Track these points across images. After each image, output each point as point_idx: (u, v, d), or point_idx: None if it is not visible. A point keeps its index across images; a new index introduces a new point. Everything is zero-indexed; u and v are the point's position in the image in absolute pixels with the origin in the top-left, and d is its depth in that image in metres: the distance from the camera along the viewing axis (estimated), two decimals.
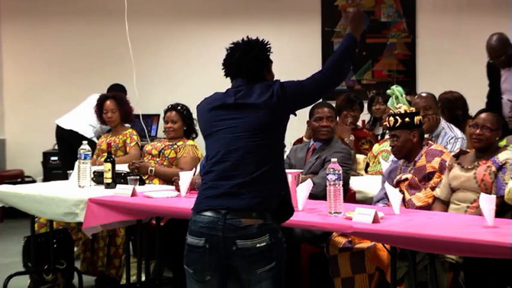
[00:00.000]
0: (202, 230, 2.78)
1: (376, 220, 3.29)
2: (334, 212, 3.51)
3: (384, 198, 4.07)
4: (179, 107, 5.33)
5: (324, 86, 2.92)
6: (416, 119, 4.21)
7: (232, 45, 2.96)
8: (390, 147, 4.28)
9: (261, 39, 2.98)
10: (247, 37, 2.97)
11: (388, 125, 4.25)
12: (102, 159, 5.10)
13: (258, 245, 2.75)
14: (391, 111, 4.42)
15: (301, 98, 2.91)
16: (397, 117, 4.20)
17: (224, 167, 2.81)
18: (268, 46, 2.97)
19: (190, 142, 5.29)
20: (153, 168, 5.11)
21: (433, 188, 4.08)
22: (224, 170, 2.81)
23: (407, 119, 4.18)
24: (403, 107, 4.27)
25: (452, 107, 5.51)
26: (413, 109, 4.30)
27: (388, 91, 5.09)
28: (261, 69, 2.93)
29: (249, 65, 2.90)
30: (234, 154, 2.81)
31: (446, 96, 5.59)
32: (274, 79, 2.94)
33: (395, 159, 4.56)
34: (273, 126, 2.85)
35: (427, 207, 4.02)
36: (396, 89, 4.96)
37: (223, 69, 2.97)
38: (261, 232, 2.76)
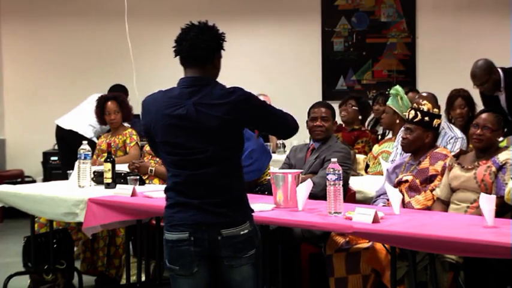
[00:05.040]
0: (185, 224, 2.79)
1: (376, 220, 3.29)
2: (334, 212, 3.51)
3: (386, 193, 4.05)
4: None
5: (282, 126, 2.92)
6: (435, 121, 4.18)
7: (188, 25, 2.88)
8: (401, 139, 4.25)
9: (217, 27, 2.90)
10: (205, 21, 2.89)
11: (407, 118, 4.24)
12: (102, 159, 5.10)
13: (241, 232, 2.81)
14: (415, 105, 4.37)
15: (257, 123, 2.90)
16: (418, 113, 4.17)
17: (193, 186, 2.81)
18: (223, 35, 2.90)
19: None
20: (153, 168, 5.11)
21: (433, 190, 4.07)
22: (195, 189, 2.81)
23: (426, 118, 4.16)
24: (427, 105, 4.22)
25: (473, 103, 5.53)
26: (437, 110, 4.26)
27: (392, 91, 5.12)
28: (213, 53, 2.86)
29: (204, 45, 2.82)
30: (201, 175, 2.80)
31: (465, 95, 5.57)
32: (234, 86, 2.85)
33: (404, 155, 4.55)
34: (232, 138, 2.84)
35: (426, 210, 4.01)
36: (399, 90, 5.00)
37: (174, 47, 2.87)
38: (242, 220, 2.82)
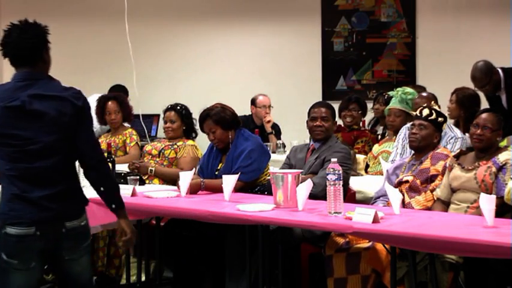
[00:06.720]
0: (25, 223, 2.83)
1: (376, 220, 3.29)
2: (334, 212, 3.51)
3: (385, 195, 4.06)
4: (178, 107, 5.33)
5: (95, 160, 2.99)
6: (444, 125, 4.28)
7: (9, 26, 2.92)
8: (409, 135, 4.24)
9: (38, 22, 2.96)
10: (25, 19, 2.95)
11: (419, 114, 4.24)
12: None
13: (81, 223, 2.97)
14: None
15: (80, 127, 2.91)
16: (433, 111, 4.22)
17: (29, 180, 2.85)
18: (46, 28, 2.96)
19: (190, 142, 5.29)
20: (153, 168, 5.11)
21: (433, 190, 4.07)
22: (30, 183, 2.85)
23: (440, 119, 4.21)
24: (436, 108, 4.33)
25: (470, 104, 5.49)
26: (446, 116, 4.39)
27: (409, 96, 5.12)
28: (40, 48, 2.91)
29: (28, 44, 2.88)
30: (36, 168, 2.85)
31: (465, 94, 5.54)
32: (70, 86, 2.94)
33: (404, 156, 4.54)
34: (66, 129, 2.88)
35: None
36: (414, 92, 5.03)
37: (1, 50, 2.92)
38: (81, 211, 3.01)
